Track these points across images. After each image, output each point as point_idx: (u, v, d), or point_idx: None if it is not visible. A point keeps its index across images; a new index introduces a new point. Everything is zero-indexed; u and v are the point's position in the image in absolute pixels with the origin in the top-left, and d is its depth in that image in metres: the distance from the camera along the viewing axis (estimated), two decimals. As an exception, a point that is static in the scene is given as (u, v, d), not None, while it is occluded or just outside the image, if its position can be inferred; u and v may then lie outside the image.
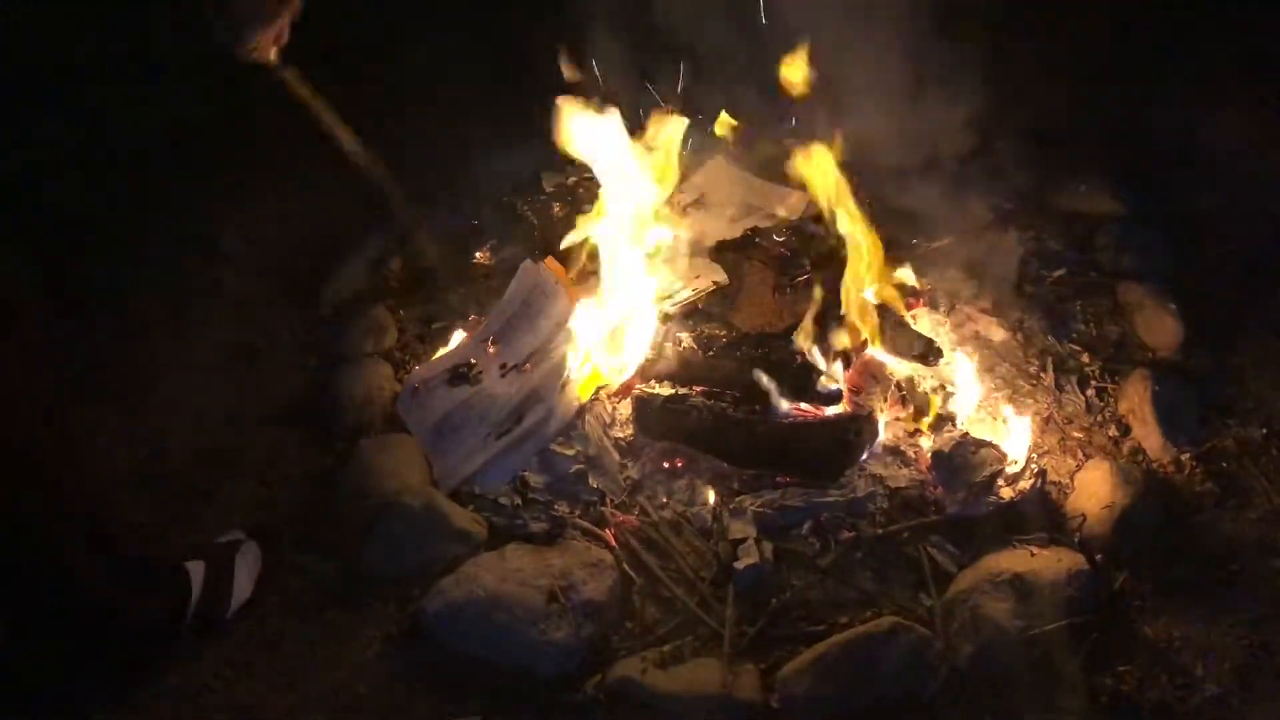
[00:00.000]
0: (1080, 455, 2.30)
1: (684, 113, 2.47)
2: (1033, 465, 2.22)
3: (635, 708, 1.91)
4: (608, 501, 2.20)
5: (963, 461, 2.17)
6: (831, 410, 2.26)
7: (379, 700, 1.97)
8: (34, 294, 1.79)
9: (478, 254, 2.76)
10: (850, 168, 2.36)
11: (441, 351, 2.49)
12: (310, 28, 2.21)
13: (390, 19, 3.36)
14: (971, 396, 2.33)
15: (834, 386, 2.25)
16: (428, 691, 1.98)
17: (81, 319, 2.68)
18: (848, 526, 2.13)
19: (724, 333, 2.35)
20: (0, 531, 1.75)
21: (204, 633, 2.06)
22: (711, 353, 2.37)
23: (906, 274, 2.43)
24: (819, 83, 2.53)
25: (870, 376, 2.29)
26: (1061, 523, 2.16)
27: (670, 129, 2.42)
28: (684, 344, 2.38)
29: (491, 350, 2.41)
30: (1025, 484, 2.19)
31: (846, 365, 2.27)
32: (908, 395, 2.29)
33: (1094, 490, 2.18)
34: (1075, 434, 2.34)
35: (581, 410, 2.29)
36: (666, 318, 2.38)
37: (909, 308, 2.42)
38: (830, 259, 2.33)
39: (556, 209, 2.78)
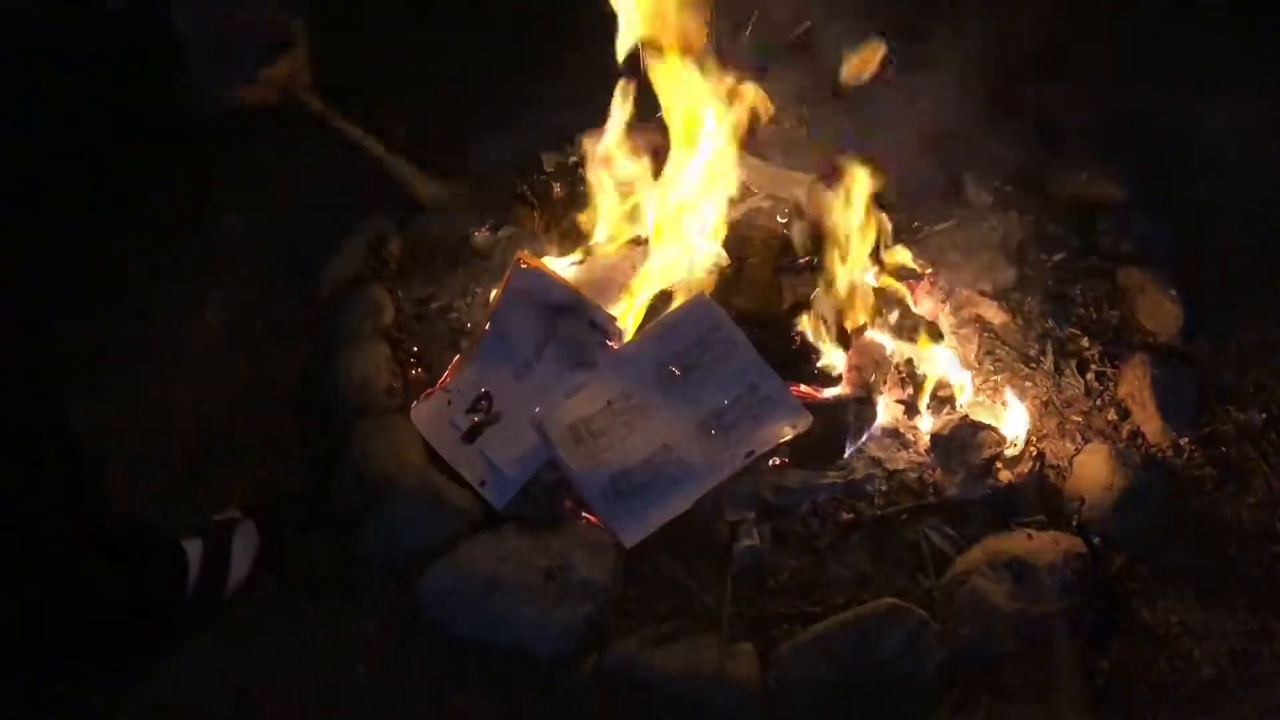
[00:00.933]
0: (1079, 439, 2.30)
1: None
2: (1031, 448, 2.23)
3: (633, 687, 1.91)
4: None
5: (961, 444, 2.17)
6: (830, 392, 2.25)
7: (377, 680, 1.98)
8: (16, 274, 1.78)
9: (476, 233, 2.74)
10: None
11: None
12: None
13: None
14: (970, 379, 2.32)
15: (833, 368, 2.25)
16: (426, 672, 1.98)
17: (78, 301, 2.66)
18: (846, 508, 2.13)
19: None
20: None
21: (202, 612, 2.05)
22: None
23: (907, 256, 2.42)
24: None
25: (869, 358, 2.28)
26: (1060, 506, 2.16)
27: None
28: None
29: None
30: (1024, 467, 2.19)
31: (846, 347, 2.26)
32: (907, 378, 2.28)
33: (1092, 474, 2.18)
34: (1074, 418, 2.34)
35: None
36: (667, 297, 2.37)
37: (909, 290, 2.41)
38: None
39: (556, 189, 2.77)
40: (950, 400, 2.26)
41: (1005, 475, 2.18)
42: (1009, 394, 2.31)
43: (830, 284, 2.28)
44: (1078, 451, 2.26)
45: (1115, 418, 2.35)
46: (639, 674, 1.91)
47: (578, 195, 2.66)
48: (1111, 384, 2.40)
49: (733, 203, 2.41)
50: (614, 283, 2.40)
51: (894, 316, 2.31)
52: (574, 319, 2.29)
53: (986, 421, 2.23)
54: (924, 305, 2.42)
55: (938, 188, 2.63)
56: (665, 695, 1.90)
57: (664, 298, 2.35)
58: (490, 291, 2.50)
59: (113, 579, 1.92)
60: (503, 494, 2.18)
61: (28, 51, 2.78)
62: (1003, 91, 2.83)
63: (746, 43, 2.70)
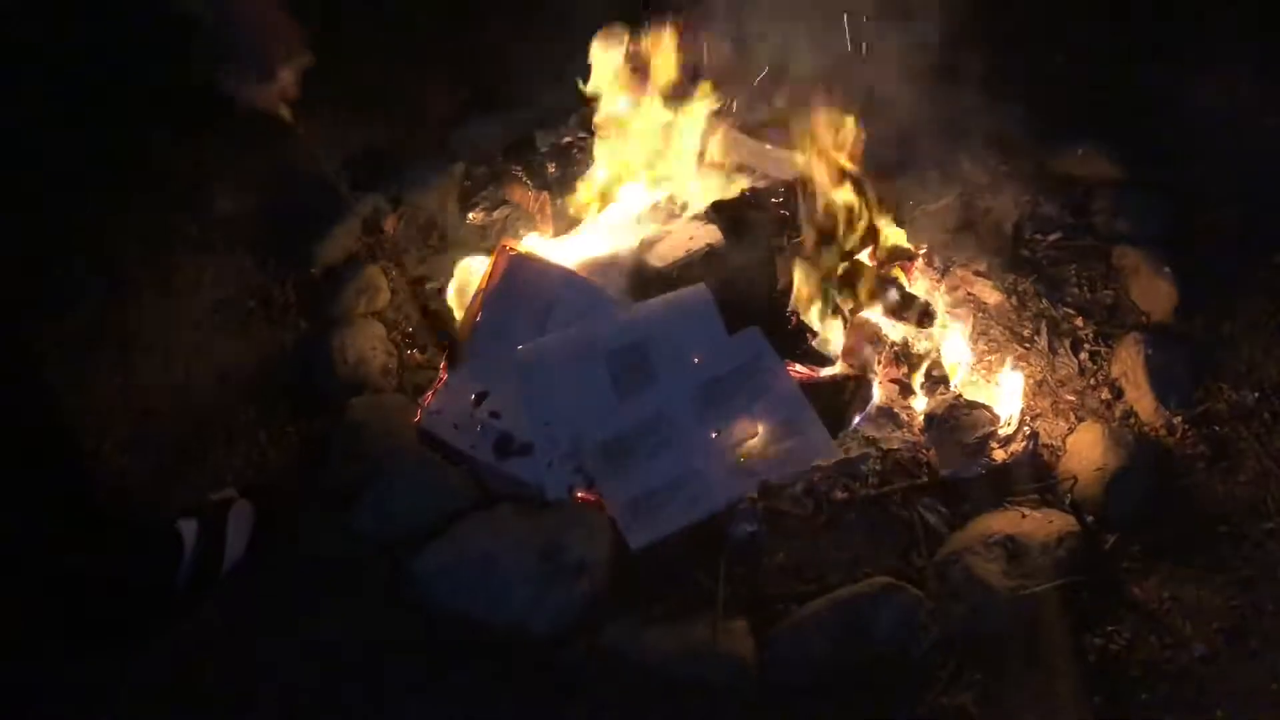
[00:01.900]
0: (1073, 418, 2.31)
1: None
2: (1025, 428, 2.23)
3: (628, 666, 1.92)
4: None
5: (955, 424, 2.18)
6: (826, 372, 2.25)
7: (372, 659, 1.98)
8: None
9: (470, 215, 2.74)
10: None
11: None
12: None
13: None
14: (965, 359, 2.32)
15: (829, 348, 2.25)
16: (421, 651, 1.98)
17: (71, 282, 2.65)
18: (841, 488, 2.13)
19: (719, 294, 2.33)
20: None
21: (198, 591, 2.06)
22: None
23: (901, 236, 2.42)
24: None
25: (864, 338, 2.28)
26: (1053, 485, 2.17)
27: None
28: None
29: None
30: (1017, 446, 2.20)
31: (841, 326, 2.26)
32: (902, 357, 2.28)
33: (1086, 453, 2.19)
34: (1068, 397, 2.35)
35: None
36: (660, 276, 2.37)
37: (904, 270, 2.41)
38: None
39: (550, 168, 2.76)
40: (944, 380, 2.26)
41: (999, 454, 2.19)
42: (1003, 374, 2.31)
43: (826, 263, 2.28)
44: (1071, 430, 2.27)
45: (1109, 397, 2.35)
46: (634, 653, 1.92)
47: (571, 175, 2.64)
48: (1105, 363, 2.41)
49: (729, 181, 2.41)
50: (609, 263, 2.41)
51: (889, 296, 2.30)
52: (572, 298, 2.29)
53: (980, 401, 2.23)
54: (919, 285, 2.42)
55: (933, 166, 2.61)
56: (660, 674, 1.90)
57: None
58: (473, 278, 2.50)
59: (107, 561, 1.92)
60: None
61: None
62: (998, 69, 2.82)
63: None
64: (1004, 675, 1.90)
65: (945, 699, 1.87)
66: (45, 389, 1.95)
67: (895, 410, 2.25)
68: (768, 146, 2.67)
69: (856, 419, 2.21)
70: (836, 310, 2.26)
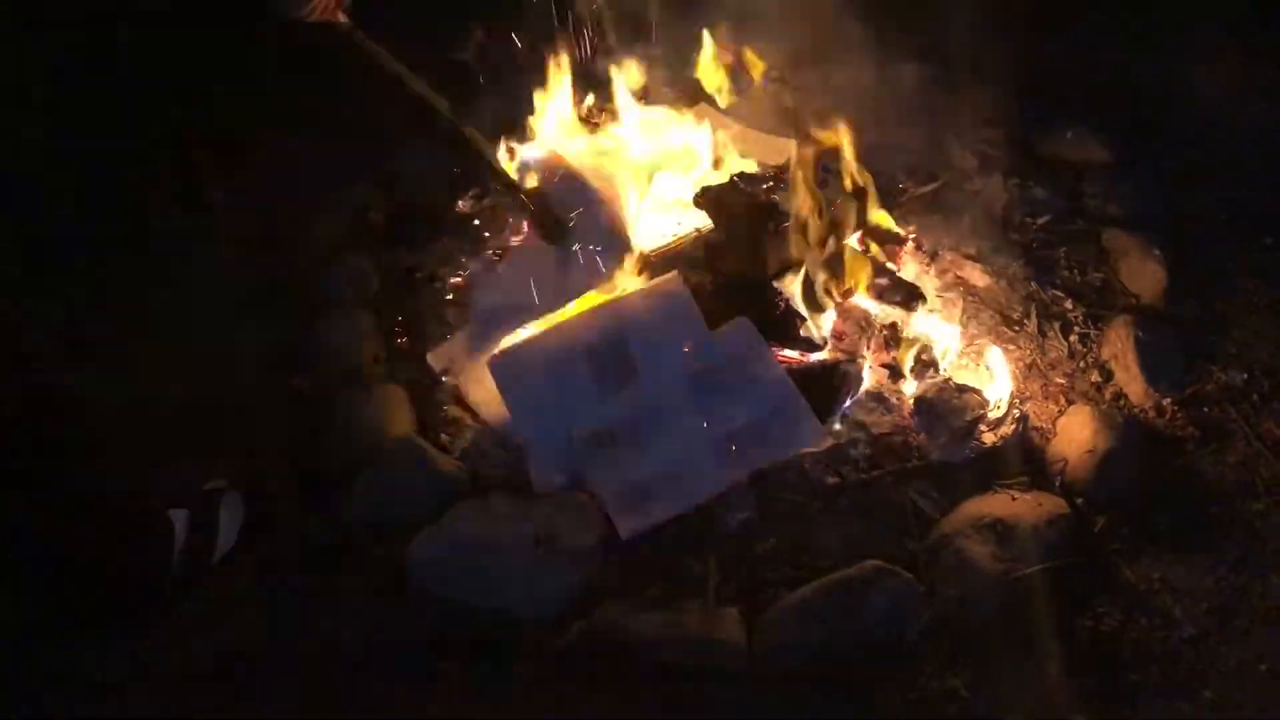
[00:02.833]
0: (1063, 401, 2.31)
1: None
2: (1015, 411, 2.23)
3: (619, 652, 1.92)
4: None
5: (945, 407, 2.18)
6: (815, 357, 2.25)
7: (364, 646, 1.98)
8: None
9: (460, 202, 2.73)
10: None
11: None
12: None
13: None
14: (954, 342, 2.32)
15: (818, 333, 2.25)
16: (414, 638, 1.99)
17: (66, 273, 2.65)
18: (831, 473, 2.14)
19: (708, 279, 2.33)
20: None
21: (189, 580, 2.06)
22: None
23: (891, 220, 2.41)
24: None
25: (854, 323, 2.28)
26: (1043, 467, 2.18)
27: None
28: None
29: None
30: (1007, 429, 2.20)
31: (830, 312, 2.26)
32: (891, 341, 2.28)
33: (1076, 435, 2.19)
34: (1058, 380, 2.35)
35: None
36: (648, 263, 2.36)
37: (894, 254, 2.41)
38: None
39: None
40: (934, 363, 2.27)
41: (989, 437, 2.19)
42: (992, 357, 2.31)
43: (815, 248, 2.27)
44: (1061, 413, 2.28)
45: (1099, 379, 2.36)
46: (626, 639, 1.92)
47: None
48: (1095, 346, 2.41)
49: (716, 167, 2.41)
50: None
51: (878, 280, 2.30)
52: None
53: (970, 384, 2.23)
54: (908, 269, 2.42)
55: (922, 150, 2.61)
56: (653, 659, 1.91)
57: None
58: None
59: (99, 550, 1.92)
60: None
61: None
62: (988, 53, 2.82)
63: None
64: (995, 658, 1.91)
65: (937, 682, 1.88)
66: (38, 380, 1.94)
67: (885, 394, 2.25)
68: (760, 133, 2.66)
69: (846, 404, 2.21)
70: (826, 295, 2.26)
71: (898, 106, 2.60)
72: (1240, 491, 2.15)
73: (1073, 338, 2.42)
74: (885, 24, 2.59)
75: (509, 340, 2.32)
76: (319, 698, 1.93)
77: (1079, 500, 2.11)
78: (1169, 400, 2.29)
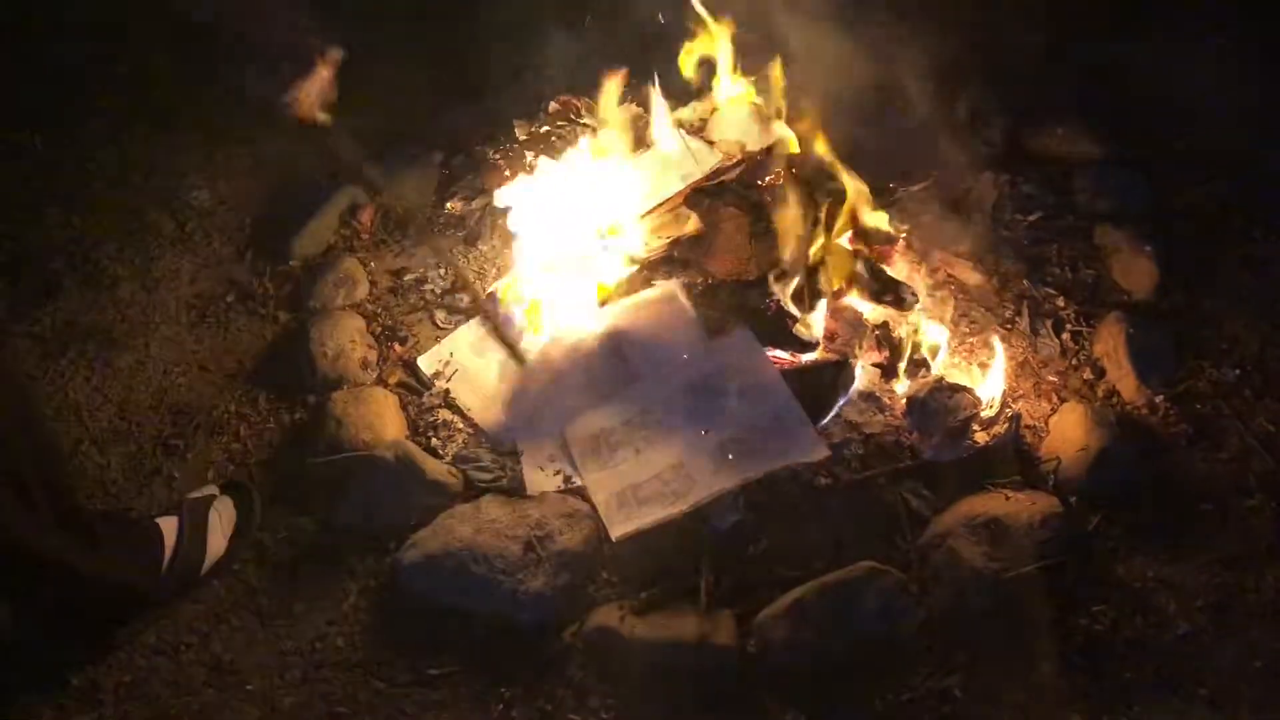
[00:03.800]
0: (1055, 399, 2.30)
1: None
2: (1007, 409, 2.23)
3: (612, 656, 1.92)
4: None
5: (937, 407, 2.17)
6: (807, 357, 2.25)
7: (356, 653, 1.99)
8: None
9: (449, 204, 2.72)
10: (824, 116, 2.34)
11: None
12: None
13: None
14: (946, 342, 2.32)
15: (809, 333, 2.24)
16: (405, 643, 1.99)
17: (49, 280, 2.63)
18: (824, 473, 2.13)
19: (700, 280, 2.33)
20: None
21: (180, 589, 2.05)
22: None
23: (881, 219, 2.40)
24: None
25: (846, 322, 2.27)
26: (1036, 466, 2.17)
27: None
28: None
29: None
30: (1000, 428, 2.20)
31: (822, 312, 2.25)
32: (883, 341, 2.27)
33: (1068, 433, 2.19)
34: (1050, 378, 2.34)
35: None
36: (637, 264, 2.36)
37: (885, 254, 2.39)
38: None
39: (530, 158, 2.74)
40: (925, 363, 2.26)
41: (981, 436, 2.18)
42: (984, 356, 2.31)
43: (806, 248, 2.27)
44: (1054, 411, 2.27)
45: (1091, 377, 2.35)
46: (619, 643, 1.92)
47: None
48: (1087, 343, 2.40)
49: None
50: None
51: (869, 280, 2.29)
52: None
53: (962, 383, 2.23)
54: (899, 268, 2.41)
55: (910, 148, 2.59)
56: (645, 662, 1.91)
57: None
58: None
59: (88, 559, 1.90)
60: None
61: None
62: (976, 49, 2.81)
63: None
64: (988, 657, 1.91)
65: (930, 682, 1.89)
66: (22, 387, 1.93)
67: (877, 394, 2.24)
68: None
69: (839, 403, 2.20)
70: (817, 295, 2.25)
71: (884, 104, 2.57)
72: (1233, 488, 2.15)
73: (1065, 335, 2.41)
74: (870, 19, 2.57)
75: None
76: (311, 704, 1.92)
77: (1072, 499, 2.10)
78: (1161, 397, 2.28)
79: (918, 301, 2.30)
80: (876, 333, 2.27)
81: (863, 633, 1.93)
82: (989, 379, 2.25)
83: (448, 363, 2.39)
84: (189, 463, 2.30)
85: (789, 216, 2.26)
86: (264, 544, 2.15)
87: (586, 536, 2.05)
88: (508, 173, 2.59)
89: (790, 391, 2.20)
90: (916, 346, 2.27)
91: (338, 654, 1.99)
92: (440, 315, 2.50)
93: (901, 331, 2.27)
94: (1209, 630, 1.95)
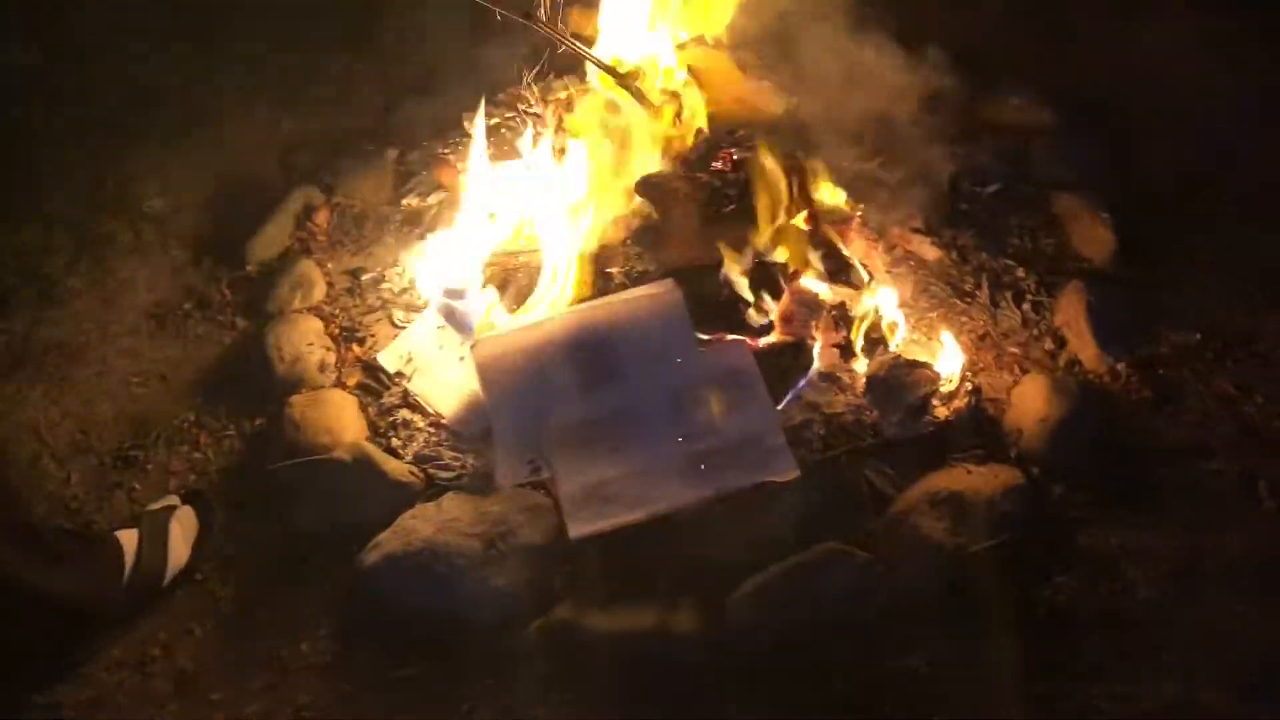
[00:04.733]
0: (1017, 370, 2.30)
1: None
2: (967, 383, 2.22)
3: (577, 649, 1.91)
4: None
5: (897, 384, 2.16)
6: (764, 341, 2.23)
7: (320, 657, 1.98)
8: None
9: (404, 200, 2.70)
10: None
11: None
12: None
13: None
14: (905, 318, 2.31)
15: (764, 317, 2.23)
16: (370, 645, 1.98)
17: (2, 293, 2.61)
18: (786, 455, 2.12)
19: (651, 268, 2.31)
20: None
21: (142, 601, 2.04)
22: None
23: (837, 196, 2.39)
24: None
25: (802, 304, 2.26)
26: (999, 439, 2.16)
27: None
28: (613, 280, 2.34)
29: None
30: (960, 403, 2.19)
31: (776, 295, 2.24)
32: (840, 321, 2.26)
33: (1030, 405, 2.18)
34: (1011, 349, 2.34)
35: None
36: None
37: (841, 232, 2.38)
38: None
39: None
40: (883, 341, 2.25)
41: (942, 412, 2.18)
42: (944, 330, 2.30)
43: (759, 231, 2.25)
44: (1016, 383, 2.26)
45: (1053, 347, 2.35)
46: (583, 636, 1.91)
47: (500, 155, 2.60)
48: (1048, 313, 2.40)
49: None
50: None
51: (824, 260, 2.28)
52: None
53: (922, 359, 2.22)
54: (856, 246, 2.39)
55: (863, 124, 2.58)
56: (610, 656, 1.90)
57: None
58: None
59: (47, 575, 1.89)
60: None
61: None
62: (928, 19, 2.79)
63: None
64: (953, 634, 1.90)
65: (895, 661, 1.88)
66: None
67: (837, 374, 2.23)
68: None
69: (799, 385, 2.19)
70: (771, 278, 2.23)
71: (835, 79, 2.55)
72: (1195, 451, 2.15)
73: (1025, 306, 2.41)
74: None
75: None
76: (276, 709, 1.91)
77: (1035, 470, 2.10)
78: (1123, 364, 2.28)
79: (872, 280, 2.28)
80: (834, 313, 2.26)
81: (827, 614, 1.92)
82: (947, 354, 2.24)
83: (409, 360, 2.38)
84: (149, 474, 2.29)
85: (743, 198, 2.24)
86: (226, 553, 2.14)
87: (548, 531, 2.04)
88: (459, 166, 2.56)
89: (774, 410, 2.17)
90: (875, 325, 2.26)
91: (302, 659, 1.97)
92: (398, 314, 2.48)
93: (858, 310, 2.26)
94: (1173, 596, 1.94)
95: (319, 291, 2.55)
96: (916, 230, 2.49)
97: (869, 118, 2.55)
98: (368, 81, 3.07)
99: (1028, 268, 2.47)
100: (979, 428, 2.18)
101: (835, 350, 2.25)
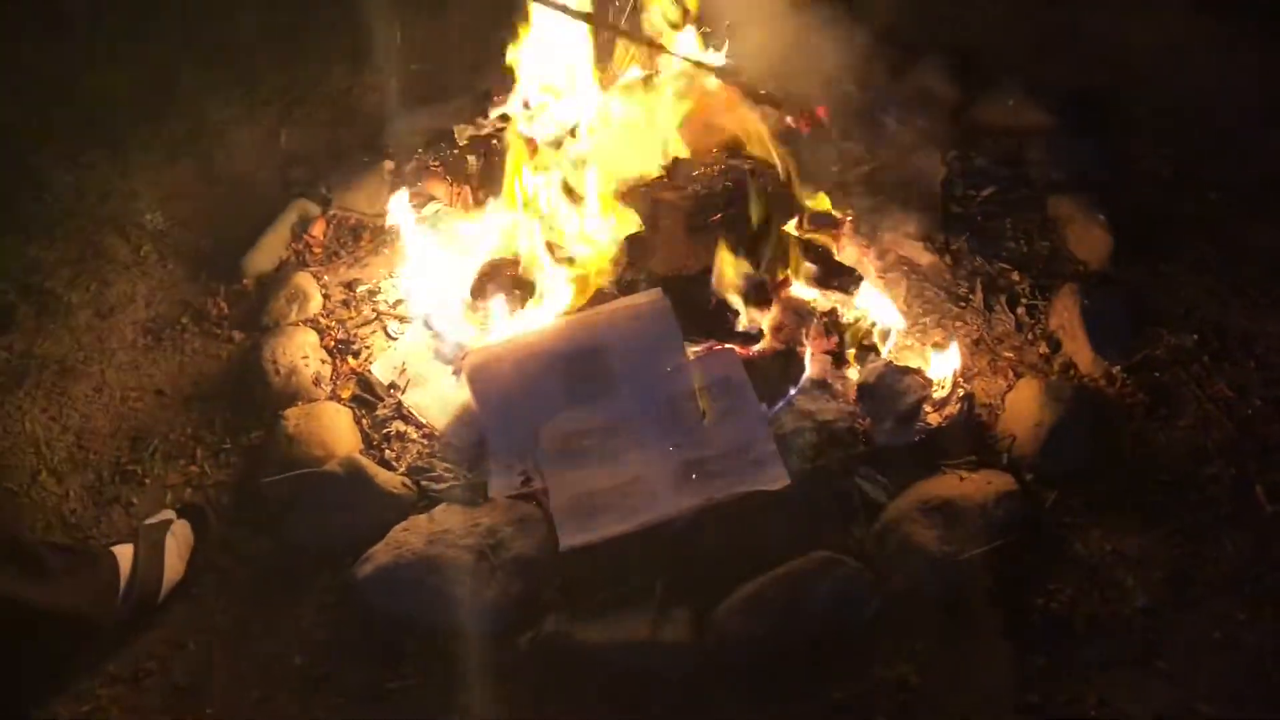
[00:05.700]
0: (1011, 375, 2.29)
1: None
2: (959, 389, 2.21)
3: (569, 660, 1.91)
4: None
5: (888, 391, 2.16)
6: (754, 349, 2.23)
7: (314, 669, 1.98)
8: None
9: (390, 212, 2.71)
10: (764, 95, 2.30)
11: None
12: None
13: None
14: (897, 324, 2.30)
15: (754, 325, 2.23)
16: (363, 657, 1.98)
17: (2, 308, 2.64)
18: (777, 464, 2.11)
19: (641, 277, 2.31)
20: None
21: (138, 615, 2.05)
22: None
23: (826, 203, 2.38)
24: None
25: (793, 312, 2.25)
26: (992, 445, 2.15)
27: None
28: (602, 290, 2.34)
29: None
30: (952, 409, 2.18)
31: (766, 303, 2.23)
32: (831, 328, 2.25)
33: (1023, 410, 2.17)
34: (1006, 354, 2.32)
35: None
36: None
37: (832, 238, 2.37)
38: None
39: (470, 162, 2.72)
40: (874, 348, 2.24)
41: (934, 418, 2.17)
42: (936, 336, 2.29)
43: (749, 239, 2.24)
44: (1010, 388, 2.25)
45: (1047, 351, 2.34)
46: (574, 647, 1.91)
47: (492, 167, 2.60)
48: (1043, 317, 2.39)
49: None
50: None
51: (814, 267, 2.27)
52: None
53: (914, 365, 2.21)
54: (848, 252, 2.39)
55: (855, 127, 2.57)
56: (602, 666, 1.90)
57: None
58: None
59: (44, 590, 1.90)
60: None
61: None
62: (920, 20, 2.78)
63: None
64: (945, 642, 1.90)
65: (887, 670, 1.87)
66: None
67: (829, 381, 2.23)
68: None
69: (789, 393, 2.18)
70: (761, 286, 2.23)
71: (826, 81, 2.54)
72: (1192, 456, 2.13)
73: (1020, 310, 2.40)
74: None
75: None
76: (270, 722, 1.93)
77: (1028, 476, 2.09)
78: (1118, 367, 2.26)
79: (863, 286, 2.28)
80: (824, 320, 2.25)
81: (818, 623, 1.91)
82: (940, 359, 2.23)
83: (403, 371, 2.39)
84: (147, 488, 2.30)
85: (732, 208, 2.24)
86: (221, 566, 2.15)
87: (539, 542, 2.04)
88: (448, 178, 2.57)
89: (765, 418, 2.17)
90: (866, 332, 2.25)
91: (296, 672, 1.98)
92: (393, 325, 2.49)
93: (849, 316, 2.25)
94: (1168, 603, 1.92)
95: (315, 304, 2.56)
96: (909, 235, 2.48)
97: (860, 121, 2.53)
98: (365, 93, 3.07)
99: (1022, 271, 2.46)
100: (972, 434, 2.17)
101: (827, 357, 2.24)
